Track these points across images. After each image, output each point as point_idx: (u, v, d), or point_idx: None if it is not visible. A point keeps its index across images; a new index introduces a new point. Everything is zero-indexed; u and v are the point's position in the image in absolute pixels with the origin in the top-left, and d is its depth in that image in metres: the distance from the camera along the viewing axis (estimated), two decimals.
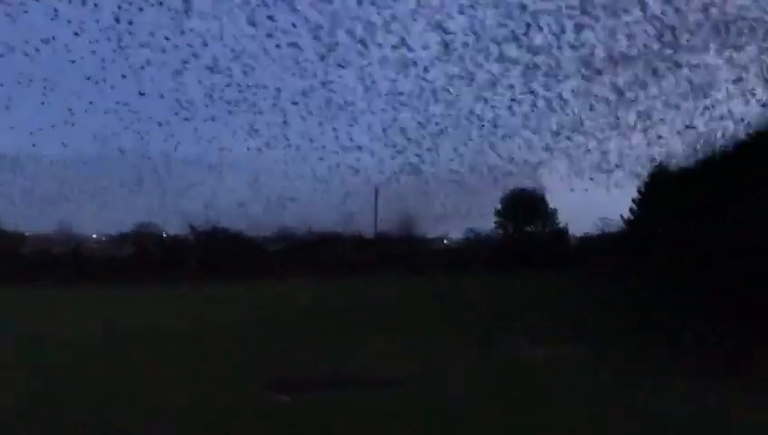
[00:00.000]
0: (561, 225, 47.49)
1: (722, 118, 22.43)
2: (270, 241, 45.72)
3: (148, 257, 38.95)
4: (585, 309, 20.70)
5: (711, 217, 17.81)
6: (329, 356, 12.53)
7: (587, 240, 45.27)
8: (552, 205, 46.89)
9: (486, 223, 49.20)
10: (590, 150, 28.85)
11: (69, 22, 20.80)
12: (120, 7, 20.59)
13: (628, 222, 31.53)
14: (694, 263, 18.49)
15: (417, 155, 31.64)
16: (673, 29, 20.17)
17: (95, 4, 20.77)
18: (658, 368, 11.38)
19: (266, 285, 31.26)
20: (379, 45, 24.01)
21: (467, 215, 46.46)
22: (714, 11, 18.69)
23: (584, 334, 15.18)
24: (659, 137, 26.19)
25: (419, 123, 30.33)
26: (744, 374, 10.60)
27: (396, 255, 43.00)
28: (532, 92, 28.14)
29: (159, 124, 28.15)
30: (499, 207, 48.16)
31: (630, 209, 30.94)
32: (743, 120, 20.48)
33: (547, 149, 30.94)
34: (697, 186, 20.58)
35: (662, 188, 25.99)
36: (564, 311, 20.24)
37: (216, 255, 37.57)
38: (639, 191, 29.96)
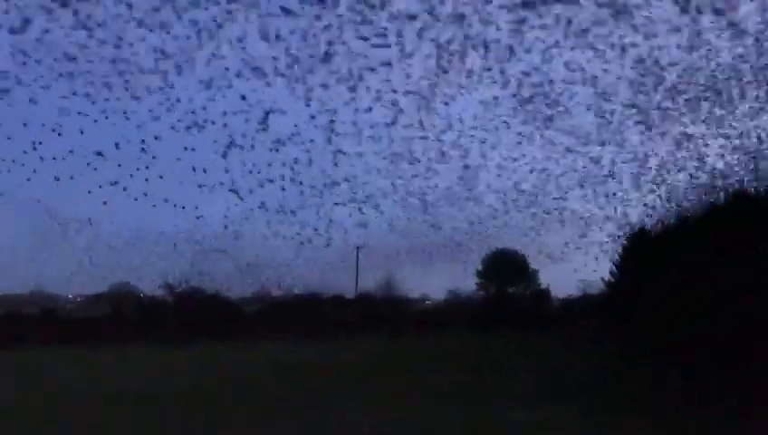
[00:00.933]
0: (542, 286, 47.77)
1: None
2: (248, 302, 45.34)
3: (125, 318, 38.32)
4: (567, 372, 20.55)
5: (688, 280, 17.99)
6: (307, 426, 12.20)
7: (568, 302, 45.41)
8: (533, 266, 47.29)
9: (468, 284, 49.42)
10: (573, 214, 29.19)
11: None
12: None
13: (608, 284, 31.62)
14: (671, 326, 18.54)
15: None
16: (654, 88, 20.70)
17: None
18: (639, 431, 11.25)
19: (243, 347, 30.72)
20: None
21: (449, 275, 46.59)
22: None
23: (567, 397, 15.02)
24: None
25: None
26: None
27: (377, 316, 42.71)
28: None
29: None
30: (480, 267, 48.48)
31: (611, 272, 31.07)
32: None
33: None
34: (674, 249, 20.81)
35: (641, 251, 26.23)
36: (547, 373, 20.06)
37: (193, 316, 37.01)
38: (619, 254, 30.18)
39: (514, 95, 22.38)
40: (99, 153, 21.60)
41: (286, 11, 14.60)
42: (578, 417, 12.58)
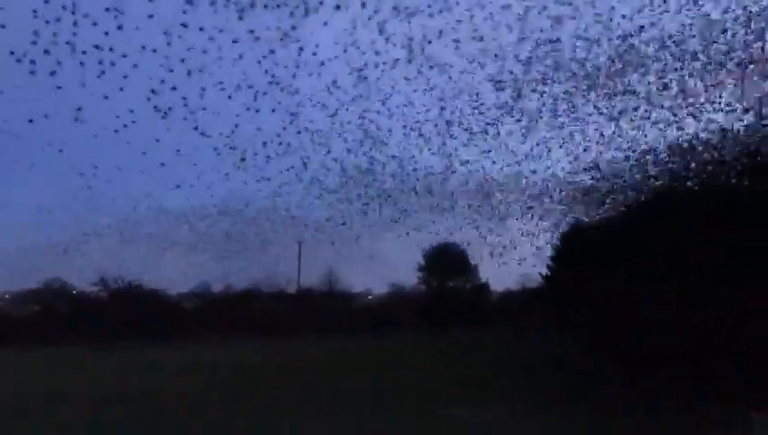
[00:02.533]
0: (482, 280, 48.55)
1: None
2: (187, 298, 44.36)
3: (57, 316, 36.87)
4: (508, 369, 20.99)
5: (618, 275, 18.63)
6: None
7: (508, 295, 46.38)
8: (473, 260, 47.95)
9: (410, 277, 49.73)
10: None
11: None
12: None
13: (545, 278, 32.41)
14: (603, 320, 19.18)
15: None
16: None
17: None
18: (578, 426, 11.59)
19: (182, 346, 30.10)
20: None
21: (391, 268, 46.74)
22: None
23: (509, 395, 15.30)
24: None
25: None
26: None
27: (320, 311, 42.55)
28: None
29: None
30: (422, 261, 48.90)
31: (548, 266, 31.83)
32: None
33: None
34: (606, 244, 21.46)
35: (575, 246, 26.94)
36: (488, 371, 20.41)
37: (130, 313, 35.94)
38: (556, 249, 30.93)
39: None
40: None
41: None
42: (518, 413, 12.86)
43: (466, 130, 20.49)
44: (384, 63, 15.79)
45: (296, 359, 25.04)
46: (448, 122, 19.85)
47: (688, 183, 18.73)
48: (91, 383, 18.35)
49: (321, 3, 11.99)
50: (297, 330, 37.12)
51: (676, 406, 12.70)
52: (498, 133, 19.79)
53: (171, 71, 12.30)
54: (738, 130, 16.38)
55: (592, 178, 21.55)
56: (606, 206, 23.51)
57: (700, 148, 17.95)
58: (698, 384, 13.26)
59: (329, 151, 20.26)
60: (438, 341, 30.62)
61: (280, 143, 18.18)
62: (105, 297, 39.44)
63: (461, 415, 12.68)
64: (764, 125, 15.91)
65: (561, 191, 23.55)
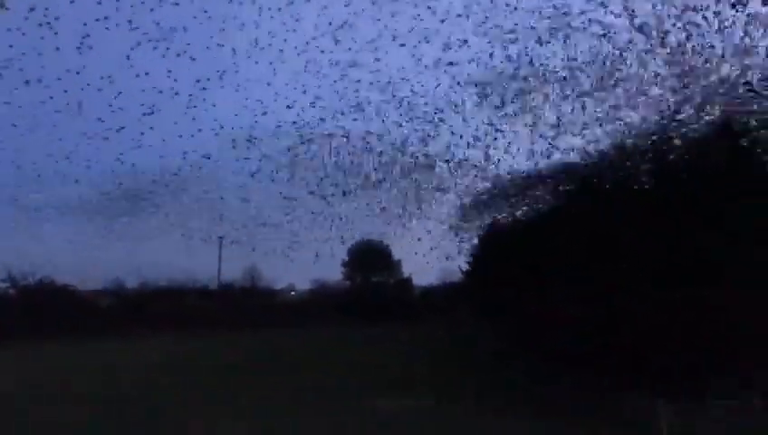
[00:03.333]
0: (404, 275, 49.41)
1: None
2: (101, 295, 42.73)
3: None
4: (429, 360, 21.54)
5: (532, 271, 19.59)
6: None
7: (430, 290, 47.38)
8: (396, 256, 48.69)
9: (334, 273, 49.93)
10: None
11: None
12: None
13: (466, 274, 33.37)
14: (520, 314, 20.08)
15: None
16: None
17: None
18: (499, 416, 12.16)
19: (96, 345, 29.02)
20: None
21: (315, 264, 46.55)
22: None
23: (430, 386, 15.75)
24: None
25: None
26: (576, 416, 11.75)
27: (241, 308, 42.06)
28: None
29: None
30: (346, 257, 49.24)
31: (468, 262, 32.80)
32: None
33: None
34: (522, 241, 22.40)
35: (494, 243, 27.91)
36: (410, 363, 20.86)
37: (41, 311, 34.22)
38: (476, 245, 31.88)
39: None
40: None
41: None
42: (440, 403, 13.32)
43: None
44: None
45: (213, 356, 24.72)
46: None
47: (604, 184, 19.78)
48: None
49: None
50: (217, 326, 36.47)
51: (589, 396, 13.46)
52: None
53: None
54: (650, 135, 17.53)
55: (511, 180, 22.31)
56: (523, 205, 24.50)
57: (612, 151, 19.05)
58: (610, 377, 14.14)
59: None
60: (361, 335, 30.95)
61: None
62: (13, 294, 37.40)
63: (388, 406, 13.01)
64: (663, 134, 17.15)
65: (482, 189, 24.30)
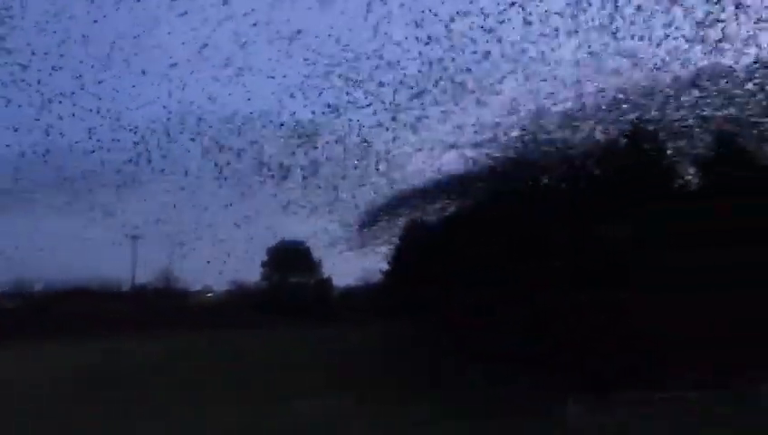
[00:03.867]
0: (325, 276, 49.26)
1: None
2: (2, 297, 40.43)
3: None
4: (350, 361, 21.62)
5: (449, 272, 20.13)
6: None
7: (351, 291, 47.52)
8: (316, 257, 48.44)
9: (253, 275, 49.13)
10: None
11: None
12: None
13: (386, 274, 33.67)
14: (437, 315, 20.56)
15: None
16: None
17: None
18: (419, 414, 12.38)
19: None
20: None
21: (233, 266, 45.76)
22: None
23: (351, 386, 15.82)
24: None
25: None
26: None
27: (155, 310, 40.71)
28: None
29: None
30: (265, 258, 48.59)
31: (388, 262, 33.06)
32: None
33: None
34: (438, 243, 22.92)
35: (413, 244, 28.34)
36: (331, 363, 20.88)
37: None
38: (396, 246, 32.19)
39: None
40: None
41: None
42: (357, 405, 13.42)
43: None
44: None
45: (121, 360, 23.84)
46: None
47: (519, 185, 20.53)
48: None
49: None
50: (129, 329, 35.19)
51: (503, 393, 13.93)
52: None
53: None
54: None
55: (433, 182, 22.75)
56: (444, 205, 25.05)
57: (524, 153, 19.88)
58: (520, 374, 14.71)
59: None
60: (277, 336, 30.72)
61: None
62: None
63: (306, 407, 13.01)
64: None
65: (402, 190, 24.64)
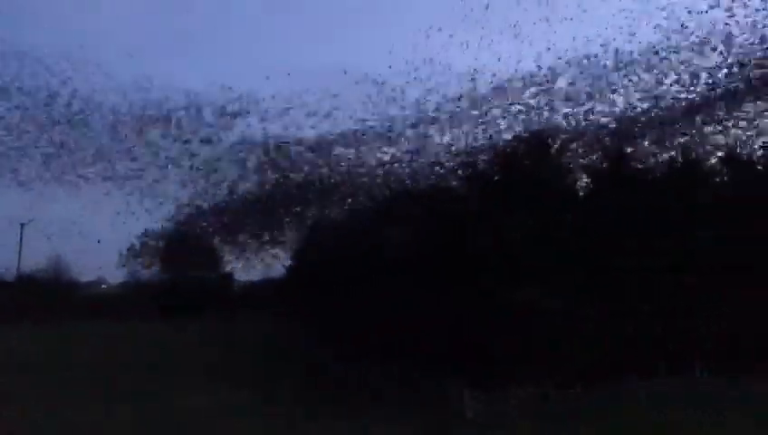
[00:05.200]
0: (226, 270, 48.40)
1: None
2: None
3: None
4: (248, 355, 21.79)
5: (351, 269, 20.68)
6: None
7: (252, 286, 47.01)
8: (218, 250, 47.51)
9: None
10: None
11: None
12: None
13: (288, 270, 33.76)
14: (334, 313, 21.02)
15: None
16: None
17: None
18: (312, 413, 12.87)
19: None
20: None
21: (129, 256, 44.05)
22: None
23: (248, 380, 16.07)
24: None
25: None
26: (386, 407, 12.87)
27: (43, 300, 38.76)
28: None
29: None
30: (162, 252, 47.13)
31: (291, 258, 33.14)
32: None
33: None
34: (341, 241, 23.42)
35: (315, 241, 28.71)
36: (228, 357, 20.95)
37: None
38: (300, 242, 32.36)
39: None
40: None
41: None
42: (258, 401, 13.76)
43: None
44: None
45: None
46: None
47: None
48: None
49: None
50: (14, 320, 33.50)
51: (405, 387, 14.71)
52: None
53: None
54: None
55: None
56: (346, 206, 25.74)
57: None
58: (424, 368, 15.54)
59: None
60: (173, 330, 30.30)
61: None
62: None
63: (202, 403, 13.20)
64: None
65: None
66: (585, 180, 19.89)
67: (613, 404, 13.18)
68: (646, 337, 15.63)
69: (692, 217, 16.85)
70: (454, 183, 21.64)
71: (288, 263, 33.85)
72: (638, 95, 20.79)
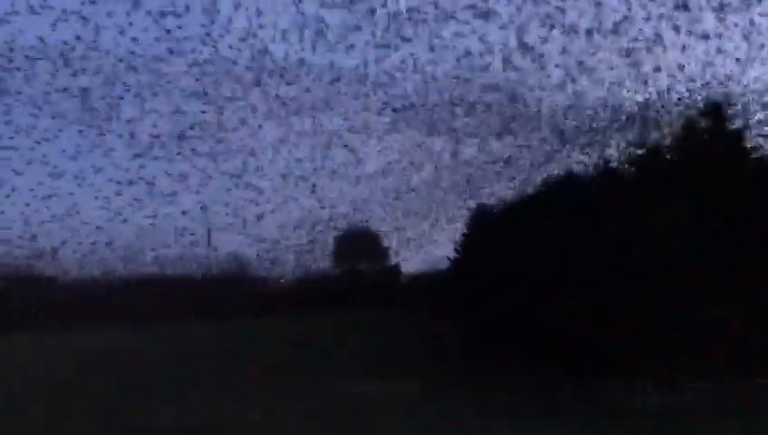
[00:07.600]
0: (392, 263, 49.04)
1: None
2: None
3: None
4: (415, 346, 21.43)
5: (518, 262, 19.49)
6: None
7: (418, 277, 47.06)
8: (384, 243, 48.21)
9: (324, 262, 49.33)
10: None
11: None
12: None
13: (454, 261, 33.03)
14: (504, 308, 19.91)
15: None
16: None
17: None
18: (481, 404, 12.09)
19: None
20: None
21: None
22: None
23: (414, 371, 15.66)
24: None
25: None
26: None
27: (230, 296, 41.45)
28: None
29: None
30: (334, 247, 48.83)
31: (456, 249, 32.37)
32: None
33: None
34: (512, 229, 22.24)
35: (482, 229, 27.71)
36: (396, 348, 20.75)
37: None
38: (464, 232, 31.56)
39: None
40: None
41: None
42: (420, 390, 13.22)
43: None
44: None
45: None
46: None
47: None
48: None
49: None
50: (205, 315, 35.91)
51: (571, 382, 13.55)
52: None
53: None
54: None
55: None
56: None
57: None
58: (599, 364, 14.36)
59: None
60: (346, 320, 30.83)
61: None
62: None
63: (366, 391, 12.93)
64: None
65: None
66: None
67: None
68: None
69: None
70: None
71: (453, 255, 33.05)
72: None
